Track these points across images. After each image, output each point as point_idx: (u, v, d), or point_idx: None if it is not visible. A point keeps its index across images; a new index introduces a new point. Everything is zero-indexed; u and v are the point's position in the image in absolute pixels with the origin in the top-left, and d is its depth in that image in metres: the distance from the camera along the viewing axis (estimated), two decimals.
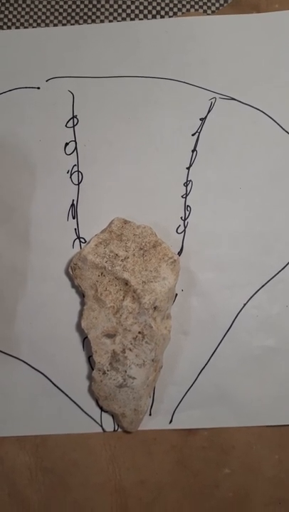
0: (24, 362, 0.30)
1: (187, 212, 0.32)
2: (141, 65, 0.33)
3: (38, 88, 0.33)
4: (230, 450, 0.30)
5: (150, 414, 0.30)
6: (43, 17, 0.35)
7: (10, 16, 0.35)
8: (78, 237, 0.31)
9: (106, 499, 0.29)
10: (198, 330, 0.30)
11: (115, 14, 0.35)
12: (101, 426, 0.30)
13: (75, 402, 0.30)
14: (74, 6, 0.35)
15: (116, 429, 0.30)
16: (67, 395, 0.30)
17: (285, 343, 0.30)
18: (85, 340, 0.30)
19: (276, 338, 0.30)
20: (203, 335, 0.30)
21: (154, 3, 0.35)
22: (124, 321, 0.29)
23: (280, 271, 0.31)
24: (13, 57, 0.34)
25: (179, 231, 0.32)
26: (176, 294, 0.31)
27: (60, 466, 0.30)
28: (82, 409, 0.30)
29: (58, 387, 0.30)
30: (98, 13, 0.35)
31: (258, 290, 0.31)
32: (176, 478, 0.30)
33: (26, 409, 0.30)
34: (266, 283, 0.31)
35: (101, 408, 0.30)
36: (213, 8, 0.35)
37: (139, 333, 0.28)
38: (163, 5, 0.35)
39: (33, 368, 0.30)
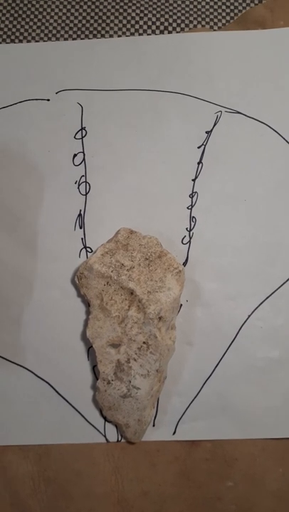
0: (29, 370, 0.30)
1: (192, 223, 0.32)
2: (148, 78, 0.34)
3: (48, 100, 0.34)
4: (234, 462, 0.30)
5: (154, 425, 0.30)
6: (54, 31, 0.36)
7: (22, 30, 0.36)
8: (85, 247, 0.32)
9: (109, 510, 0.29)
10: (202, 341, 0.30)
11: (124, 29, 0.36)
12: (104, 436, 0.30)
13: (78, 412, 0.30)
14: (84, 21, 0.36)
15: (119, 439, 0.30)
16: (71, 405, 0.30)
17: None
18: (89, 349, 0.30)
19: (280, 349, 0.30)
20: (207, 346, 0.30)
21: (162, 19, 0.36)
22: (129, 330, 0.29)
23: (284, 282, 0.31)
24: (24, 69, 0.34)
25: (184, 242, 0.32)
26: (181, 305, 0.31)
27: (63, 476, 0.29)
28: (85, 419, 0.30)
29: (62, 396, 0.30)
30: (107, 28, 0.36)
31: (263, 301, 0.31)
32: (179, 490, 0.30)
33: (30, 418, 0.30)
34: (271, 294, 0.31)
35: (105, 418, 0.30)
36: (219, 24, 0.36)
37: (144, 343, 0.28)
38: (171, 21, 0.36)
39: (37, 376, 0.30)
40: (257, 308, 0.31)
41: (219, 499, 0.30)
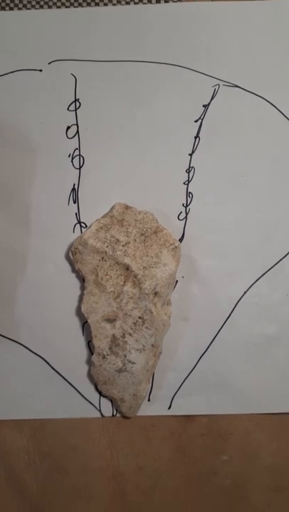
0: (23, 346, 0.30)
1: (189, 199, 0.32)
2: (144, 50, 0.33)
3: (41, 71, 0.33)
4: (229, 437, 0.30)
5: (149, 400, 0.30)
6: None
7: None
8: (79, 222, 0.31)
9: (104, 484, 0.29)
10: (198, 317, 0.30)
11: None
12: (100, 411, 0.30)
13: (74, 387, 0.30)
14: None
15: (114, 414, 0.30)
16: (66, 380, 0.30)
17: (285, 332, 0.30)
18: (84, 324, 0.30)
19: (276, 326, 0.30)
20: (203, 322, 0.30)
21: None
22: (124, 305, 0.28)
23: (281, 259, 0.31)
24: (16, 39, 0.33)
25: (181, 218, 0.31)
26: (177, 281, 0.31)
27: (58, 450, 0.29)
28: (81, 394, 0.30)
29: (57, 371, 0.30)
30: None
31: (259, 278, 0.31)
32: (175, 465, 0.30)
33: (25, 393, 0.29)
34: (267, 271, 0.31)
35: (100, 393, 0.30)
36: None
37: (140, 318, 0.28)
38: None
39: (32, 351, 0.30)
40: (253, 284, 0.31)
41: (214, 473, 0.30)
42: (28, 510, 0.29)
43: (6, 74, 0.33)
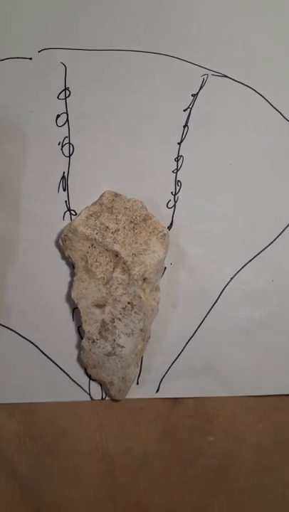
0: (14, 331, 0.30)
1: (178, 187, 0.32)
2: (134, 39, 0.33)
3: (30, 59, 0.33)
4: (215, 419, 0.31)
5: (137, 383, 0.30)
6: None
7: None
8: (69, 209, 0.31)
9: (93, 466, 0.30)
10: (186, 302, 0.31)
11: None
12: (89, 394, 0.30)
13: (63, 371, 0.30)
14: None
15: (104, 397, 0.30)
16: (56, 364, 0.30)
17: (271, 316, 0.31)
18: (74, 310, 0.31)
19: (262, 311, 0.31)
20: (190, 307, 0.31)
21: None
22: (113, 291, 0.29)
23: (267, 246, 0.32)
24: (5, 26, 0.33)
25: (169, 206, 0.32)
26: (165, 268, 0.31)
27: (49, 433, 0.30)
28: (70, 378, 0.30)
29: (47, 356, 0.30)
30: None
31: (246, 265, 0.31)
32: (162, 446, 0.31)
33: (15, 377, 0.30)
34: (253, 258, 0.32)
35: (89, 377, 0.30)
36: None
37: (129, 303, 0.29)
38: None
39: (22, 337, 0.30)
40: (240, 271, 0.31)
41: (201, 454, 0.31)
42: (19, 492, 0.30)
43: None
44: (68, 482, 0.30)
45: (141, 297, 0.29)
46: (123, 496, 0.30)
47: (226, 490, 0.31)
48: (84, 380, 0.30)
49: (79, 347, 0.30)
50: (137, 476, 0.30)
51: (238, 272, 0.31)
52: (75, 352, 0.30)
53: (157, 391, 0.30)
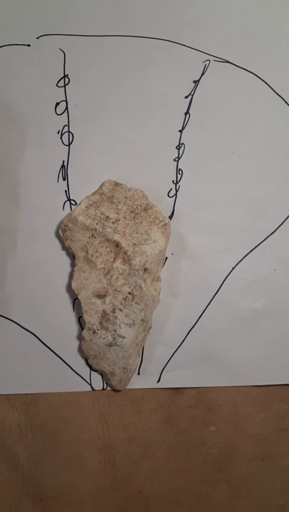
0: (15, 322, 0.30)
1: (179, 176, 0.32)
2: (134, 24, 0.33)
3: (29, 45, 0.32)
4: (217, 409, 0.31)
5: (139, 374, 0.30)
6: None
7: None
8: (69, 199, 0.31)
9: (95, 456, 0.30)
10: (187, 292, 0.31)
11: None
12: (90, 385, 0.30)
13: (64, 362, 0.30)
14: None
15: (105, 387, 0.30)
16: (57, 355, 0.30)
17: (272, 306, 0.31)
18: (75, 301, 0.30)
19: (264, 300, 0.31)
20: (192, 297, 0.31)
21: None
22: (114, 281, 0.29)
23: (269, 235, 0.31)
24: (3, 13, 0.32)
25: (171, 195, 0.31)
26: (166, 258, 0.31)
27: (50, 423, 0.30)
28: (71, 368, 0.30)
29: (48, 346, 0.30)
30: None
31: (248, 254, 0.31)
32: (164, 436, 0.31)
33: (17, 368, 0.30)
34: (255, 247, 0.31)
35: (90, 367, 0.30)
36: None
37: (129, 293, 0.29)
38: None
39: (23, 328, 0.30)
40: (241, 260, 0.31)
41: (202, 443, 0.31)
42: (21, 482, 0.30)
43: None
44: (70, 472, 0.30)
45: (142, 287, 0.28)
46: (124, 485, 0.30)
47: (227, 479, 0.31)
48: (85, 371, 0.30)
49: (80, 337, 0.30)
50: (138, 465, 0.30)
51: (239, 262, 0.31)
52: (76, 343, 0.30)
53: (158, 381, 0.30)
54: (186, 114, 0.32)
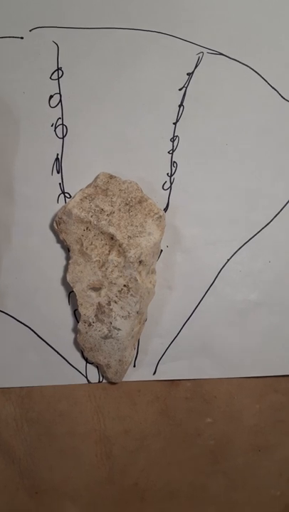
0: (10, 315, 0.30)
1: (173, 168, 0.32)
2: (128, 17, 0.32)
3: (22, 38, 0.32)
4: (213, 400, 0.31)
5: (134, 366, 0.30)
6: None
7: None
8: (63, 192, 0.31)
9: (91, 448, 0.30)
10: (182, 285, 0.31)
11: None
12: (86, 377, 0.30)
13: (60, 355, 0.30)
14: None
15: (101, 380, 0.30)
16: (52, 348, 0.30)
17: (267, 297, 0.31)
18: (70, 294, 0.30)
19: (258, 292, 0.31)
20: (187, 289, 0.31)
21: None
22: (109, 274, 0.29)
23: (263, 227, 0.31)
24: None
25: (165, 187, 0.31)
26: (161, 250, 0.31)
27: (46, 416, 0.30)
28: (67, 361, 0.30)
29: (43, 339, 0.30)
30: None
31: (242, 246, 0.31)
32: (160, 428, 0.31)
33: (12, 362, 0.30)
34: (250, 239, 0.31)
35: (86, 360, 0.30)
36: None
37: (125, 286, 0.29)
38: None
39: (18, 321, 0.30)
40: (236, 252, 0.31)
41: (199, 435, 0.31)
42: (17, 475, 0.30)
43: None
44: (66, 464, 0.30)
45: (137, 280, 0.28)
46: (121, 477, 0.30)
47: (223, 470, 0.31)
48: (81, 363, 0.30)
49: (75, 330, 0.30)
50: (135, 457, 0.30)
51: (234, 254, 0.31)
52: (72, 335, 0.30)
53: (154, 373, 0.30)
54: (180, 106, 0.32)
